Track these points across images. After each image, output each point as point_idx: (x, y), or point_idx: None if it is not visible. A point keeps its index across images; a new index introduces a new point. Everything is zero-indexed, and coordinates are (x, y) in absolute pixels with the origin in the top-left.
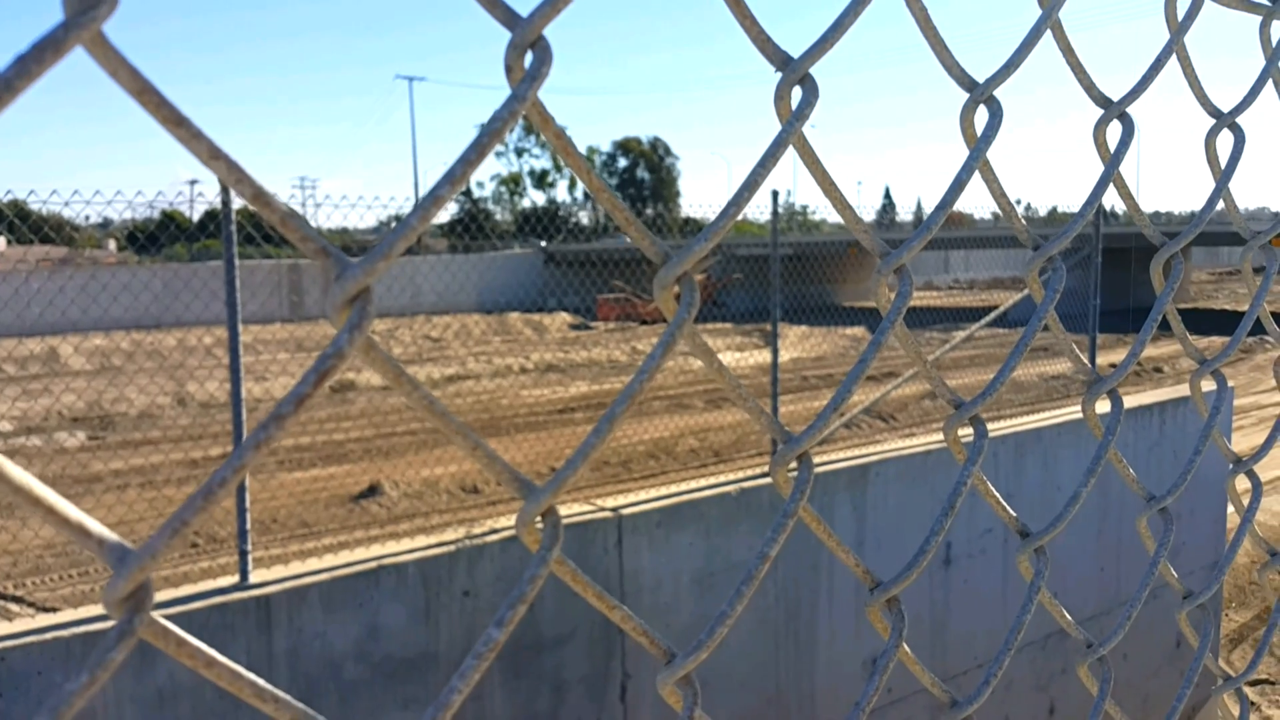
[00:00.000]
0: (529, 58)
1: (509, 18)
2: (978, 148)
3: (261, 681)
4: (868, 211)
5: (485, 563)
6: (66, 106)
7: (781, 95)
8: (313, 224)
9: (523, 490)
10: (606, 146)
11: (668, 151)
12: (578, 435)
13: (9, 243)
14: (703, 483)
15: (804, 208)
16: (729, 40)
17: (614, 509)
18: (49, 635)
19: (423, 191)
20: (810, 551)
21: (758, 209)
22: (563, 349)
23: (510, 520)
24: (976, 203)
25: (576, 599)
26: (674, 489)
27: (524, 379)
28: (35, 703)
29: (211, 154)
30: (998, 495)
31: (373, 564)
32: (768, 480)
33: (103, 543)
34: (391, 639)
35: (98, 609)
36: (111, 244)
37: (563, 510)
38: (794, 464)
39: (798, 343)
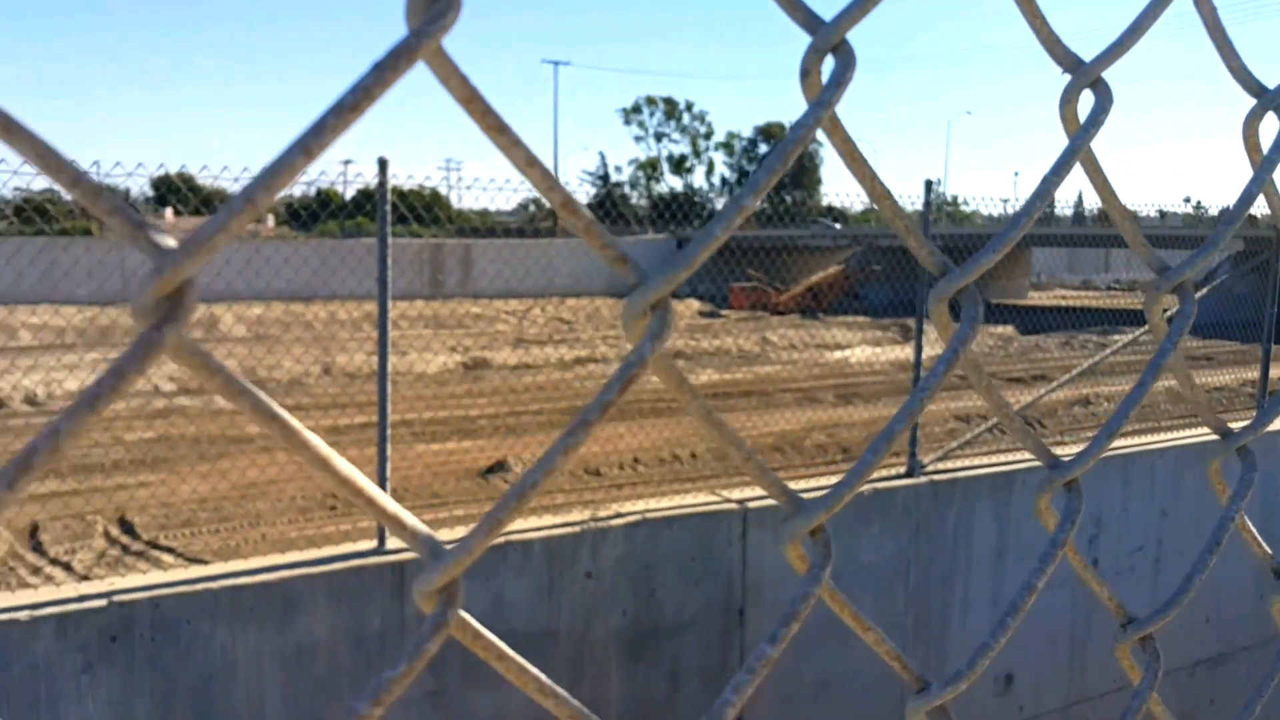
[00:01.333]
0: (830, 63)
1: (810, 21)
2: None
3: (544, 678)
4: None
5: (609, 546)
6: (238, 82)
7: (1069, 99)
8: (454, 205)
9: (793, 505)
10: (748, 132)
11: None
12: (697, 424)
13: (177, 214)
14: (832, 480)
15: (954, 198)
16: (883, 20)
17: (739, 501)
18: (199, 586)
19: (562, 176)
20: (944, 559)
21: (909, 199)
22: (691, 336)
23: (634, 505)
24: (1139, 199)
25: (697, 587)
26: (804, 485)
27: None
28: (184, 650)
29: (528, 161)
30: (1254, 531)
31: (499, 539)
32: (903, 481)
33: (417, 535)
34: (515, 614)
35: (243, 563)
36: (270, 219)
37: (685, 499)
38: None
39: (939, 340)
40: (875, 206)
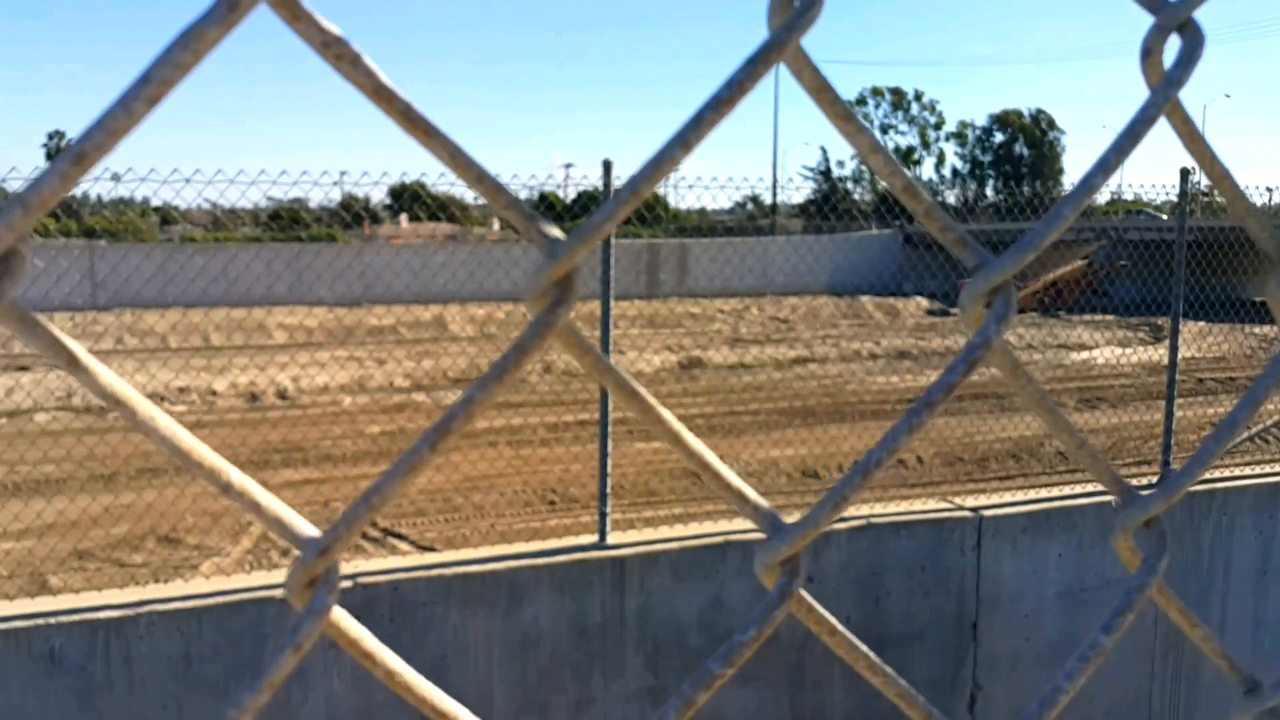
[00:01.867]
0: (1175, 42)
1: (1153, 0)
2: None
3: (874, 657)
4: None
5: (832, 550)
6: (465, 89)
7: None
8: (672, 204)
9: (1126, 497)
10: (982, 120)
11: (1051, 125)
12: (930, 428)
13: (409, 219)
14: (1078, 489)
15: (1210, 188)
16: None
17: (974, 509)
18: (433, 572)
19: (781, 173)
20: (1199, 577)
21: (1160, 189)
22: (917, 335)
23: (859, 509)
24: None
25: (927, 598)
26: (1044, 493)
27: (873, 365)
28: (420, 631)
29: (871, 148)
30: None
31: (720, 539)
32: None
33: (759, 510)
34: (734, 614)
35: (473, 552)
36: (495, 223)
37: (914, 505)
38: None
39: (1193, 340)
40: (1215, 189)
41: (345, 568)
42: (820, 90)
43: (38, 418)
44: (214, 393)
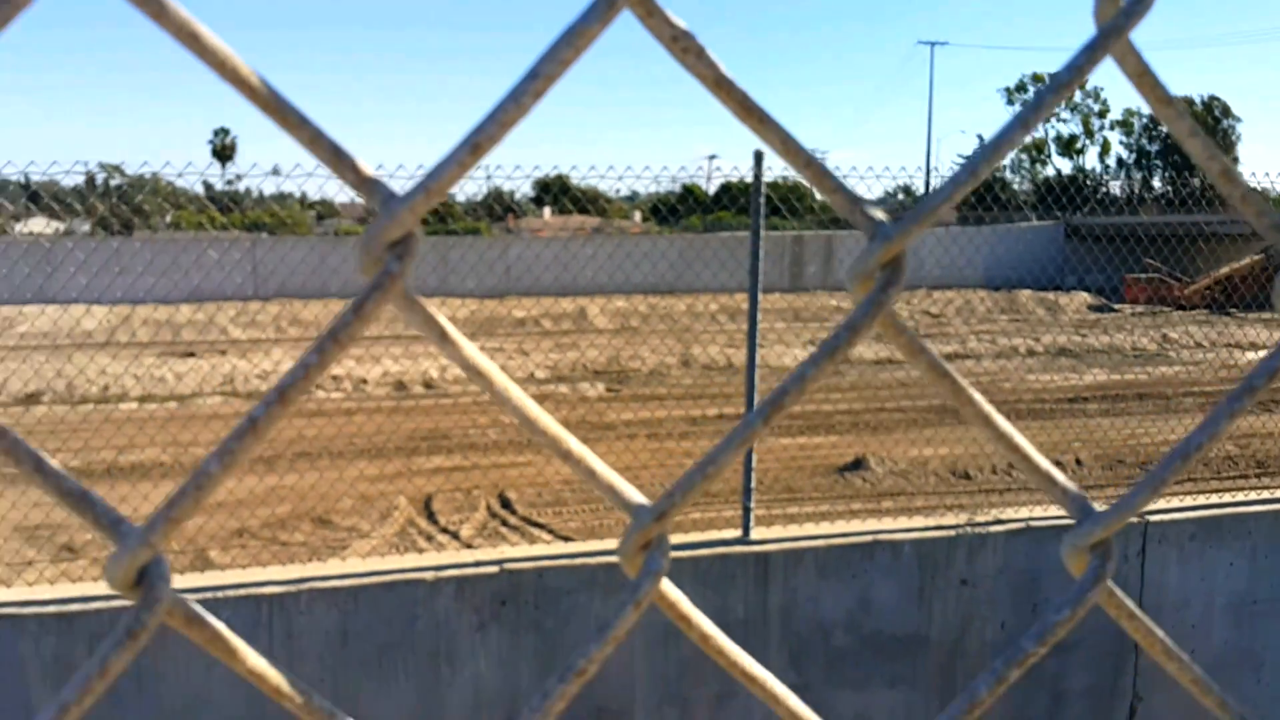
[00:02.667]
0: None
1: None
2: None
3: (1169, 642)
4: None
5: (987, 553)
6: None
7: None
8: (818, 195)
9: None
10: (1149, 108)
11: (1225, 112)
12: (1089, 428)
13: (553, 213)
14: (1252, 495)
15: None
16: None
17: (1140, 515)
18: (578, 561)
19: (935, 161)
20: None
21: None
22: (1079, 332)
23: (1016, 512)
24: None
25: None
26: (1214, 499)
27: (1031, 362)
28: (563, 618)
29: (1191, 132)
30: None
31: (868, 538)
32: None
33: (1067, 493)
34: (882, 615)
35: (615, 542)
36: (637, 215)
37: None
38: None
39: None
40: None
41: (491, 553)
42: (1142, 75)
43: (201, 402)
44: (364, 381)
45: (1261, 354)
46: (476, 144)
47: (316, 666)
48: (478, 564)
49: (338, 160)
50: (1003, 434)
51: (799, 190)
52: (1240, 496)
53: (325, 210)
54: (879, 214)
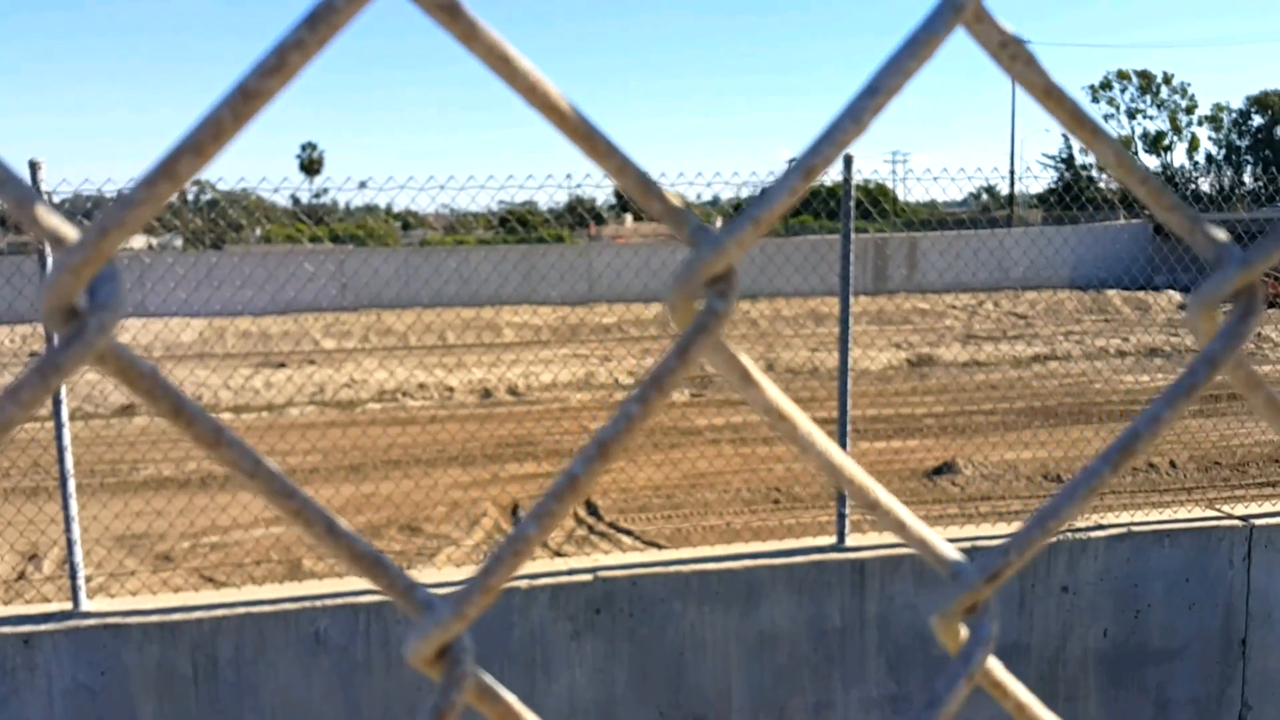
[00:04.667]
0: None
1: None
2: None
3: None
4: None
5: (1088, 560)
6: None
7: None
8: (901, 198)
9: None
10: (1238, 102)
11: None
12: (1184, 429)
13: (634, 219)
14: None
15: None
16: None
17: (1244, 518)
18: (671, 569)
19: (1019, 162)
20: None
21: None
22: (1170, 331)
23: (1117, 517)
24: None
25: (1191, 610)
26: None
27: (1121, 363)
28: (658, 625)
29: None
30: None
31: (965, 544)
32: None
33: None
34: None
35: (710, 550)
36: (719, 220)
37: (1177, 513)
38: None
39: None
40: None
41: (583, 561)
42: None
43: (292, 412)
44: (450, 389)
45: None
46: (811, 167)
47: (413, 675)
48: (571, 572)
49: (645, 190)
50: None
51: (884, 192)
52: None
53: (412, 220)
54: (1223, 235)
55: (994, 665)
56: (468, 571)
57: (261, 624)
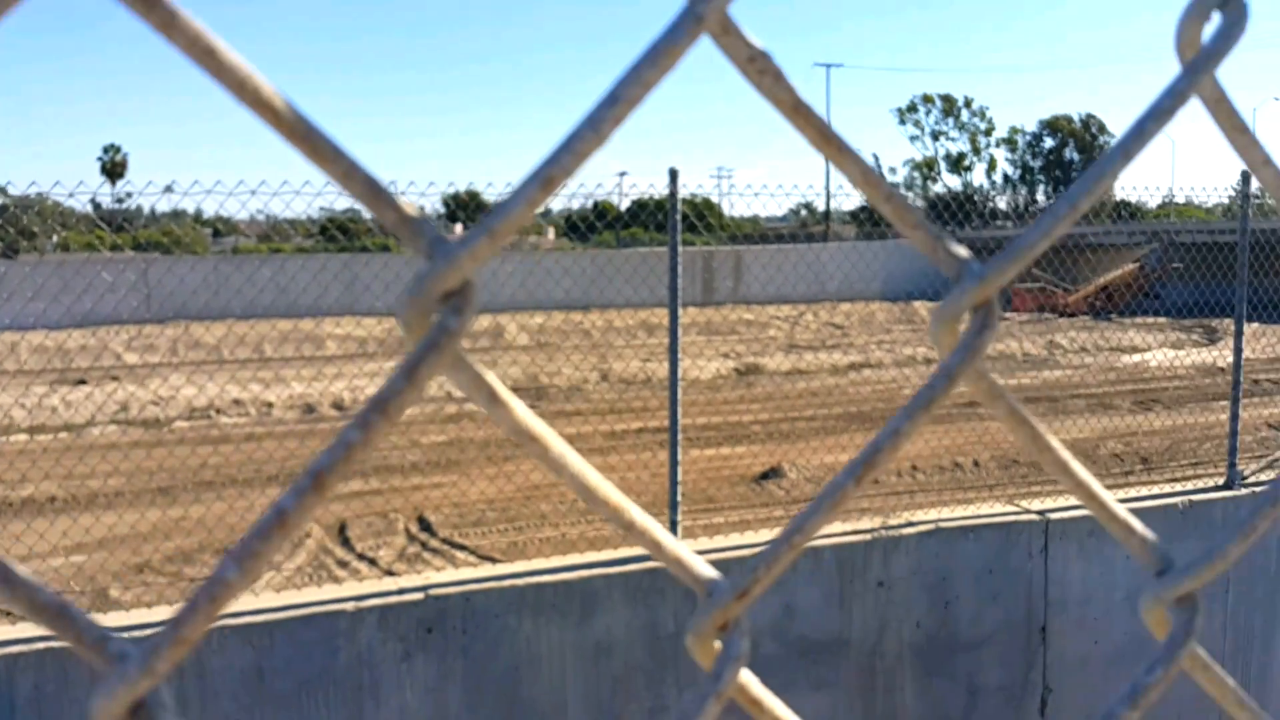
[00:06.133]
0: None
1: None
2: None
3: (1243, 693)
4: None
5: (901, 555)
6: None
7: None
8: (726, 212)
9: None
10: (1032, 125)
11: (1101, 129)
12: (985, 431)
13: (464, 229)
14: (1143, 491)
15: (1261, 190)
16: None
17: (1040, 512)
18: (505, 583)
19: (834, 180)
20: (1267, 580)
21: (1209, 191)
22: None
23: (926, 514)
24: None
25: (995, 601)
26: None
27: (928, 370)
28: (493, 642)
29: (1262, 161)
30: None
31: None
32: (1221, 494)
33: (1145, 542)
34: (805, 620)
35: (545, 562)
36: (550, 231)
37: (981, 509)
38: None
39: (1249, 341)
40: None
41: (415, 579)
42: (1218, 102)
43: (93, 431)
44: (268, 404)
45: (1139, 358)
46: (549, 178)
47: (232, 706)
48: (401, 591)
49: (375, 197)
50: (1081, 482)
51: (710, 207)
52: (1133, 493)
53: (222, 228)
54: (964, 252)
55: (748, 681)
56: (292, 594)
57: (64, 659)
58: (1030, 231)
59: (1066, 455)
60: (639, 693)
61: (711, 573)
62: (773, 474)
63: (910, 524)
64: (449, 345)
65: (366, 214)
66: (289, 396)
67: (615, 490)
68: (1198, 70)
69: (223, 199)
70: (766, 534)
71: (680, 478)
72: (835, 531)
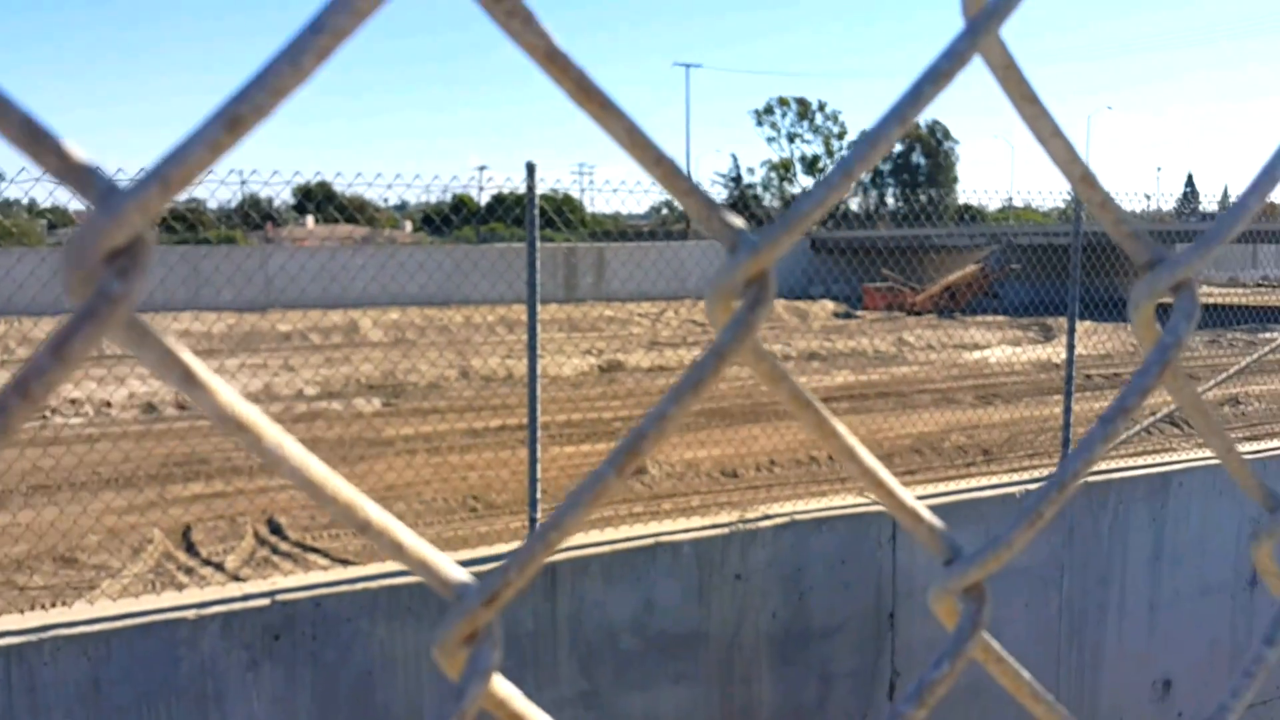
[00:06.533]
0: None
1: None
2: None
3: (1038, 685)
4: (1167, 201)
5: (757, 548)
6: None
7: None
8: (588, 209)
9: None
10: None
11: (946, 135)
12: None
13: (317, 221)
14: (983, 481)
15: None
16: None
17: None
18: (358, 585)
19: (696, 178)
20: (1099, 562)
21: (1046, 195)
22: (826, 337)
23: (782, 507)
24: None
25: (847, 590)
26: (952, 486)
27: (786, 366)
28: (344, 647)
29: (1053, 133)
30: None
31: (650, 540)
32: None
33: (934, 531)
34: (665, 615)
35: (397, 564)
36: (408, 225)
37: (834, 501)
38: None
39: (1082, 338)
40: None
41: (261, 585)
42: (1007, 68)
43: None
44: (108, 404)
45: (981, 354)
46: (237, 117)
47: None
48: (246, 597)
49: (34, 140)
50: (867, 469)
51: (571, 203)
52: (974, 484)
53: (58, 219)
54: (739, 221)
55: (508, 695)
56: (131, 603)
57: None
58: (803, 200)
59: (853, 441)
60: None
61: (460, 576)
62: (636, 470)
63: (767, 517)
64: (113, 315)
65: (212, 205)
66: (128, 396)
67: (347, 485)
68: (978, 30)
69: (52, 188)
70: (627, 530)
71: (542, 475)
72: (694, 526)
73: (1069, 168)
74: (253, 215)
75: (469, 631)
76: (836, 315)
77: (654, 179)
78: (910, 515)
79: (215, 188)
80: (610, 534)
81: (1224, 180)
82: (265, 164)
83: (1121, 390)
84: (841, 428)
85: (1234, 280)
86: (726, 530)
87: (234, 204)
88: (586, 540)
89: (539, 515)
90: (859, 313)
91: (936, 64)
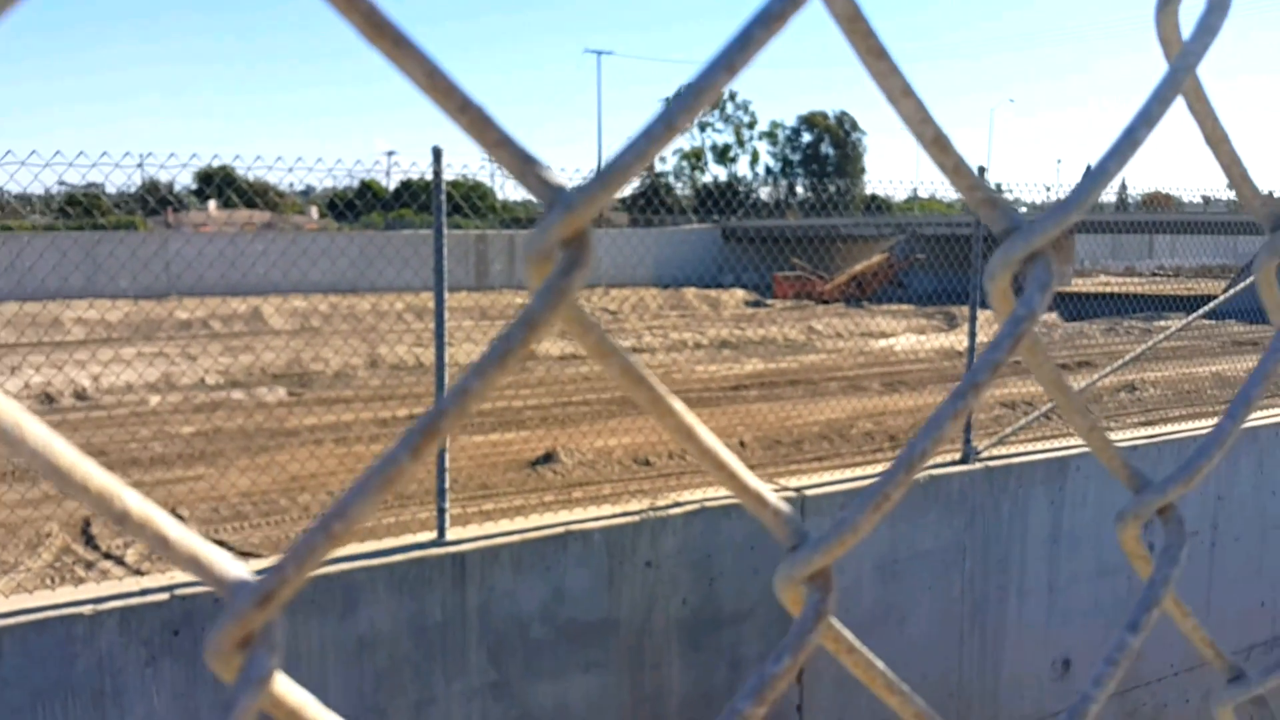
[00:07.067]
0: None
1: None
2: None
3: (892, 675)
4: (1066, 193)
5: (668, 535)
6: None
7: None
8: (499, 195)
9: (1137, 483)
10: (791, 121)
11: (854, 127)
12: (750, 413)
13: (218, 206)
14: (889, 466)
15: (997, 185)
16: (926, 11)
17: (797, 489)
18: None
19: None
20: (1000, 545)
21: (950, 185)
22: (738, 326)
23: (692, 494)
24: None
25: (756, 576)
26: (858, 472)
27: (698, 354)
28: None
29: (903, 91)
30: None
31: (560, 529)
32: (958, 469)
33: (779, 515)
34: (576, 603)
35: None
36: (313, 211)
37: None
38: None
39: (984, 327)
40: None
41: (159, 579)
42: (853, 20)
43: None
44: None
45: (887, 342)
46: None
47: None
48: (144, 592)
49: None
50: (706, 449)
51: (481, 189)
52: (879, 469)
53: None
54: (555, 178)
55: (300, 703)
56: (24, 599)
57: None
58: (624, 153)
59: (691, 419)
60: (405, 686)
61: (236, 573)
62: (547, 459)
63: (677, 504)
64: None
65: (111, 188)
66: (23, 386)
67: (101, 471)
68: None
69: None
70: (537, 519)
71: (452, 465)
72: (605, 514)
73: (920, 128)
74: (149, 200)
75: (243, 635)
76: (747, 304)
77: (460, 128)
78: (753, 498)
79: (110, 170)
80: (520, 523)
81: (1123, 172)
82: (163, 145)
83: (973, 365)
84: (679, 405)
85: (1130, 269)
86: (637, 518)
87: (132, 189)
88: (496, 530)
89: (447, 505)
90: (769, 301)
91: (768, 6)
